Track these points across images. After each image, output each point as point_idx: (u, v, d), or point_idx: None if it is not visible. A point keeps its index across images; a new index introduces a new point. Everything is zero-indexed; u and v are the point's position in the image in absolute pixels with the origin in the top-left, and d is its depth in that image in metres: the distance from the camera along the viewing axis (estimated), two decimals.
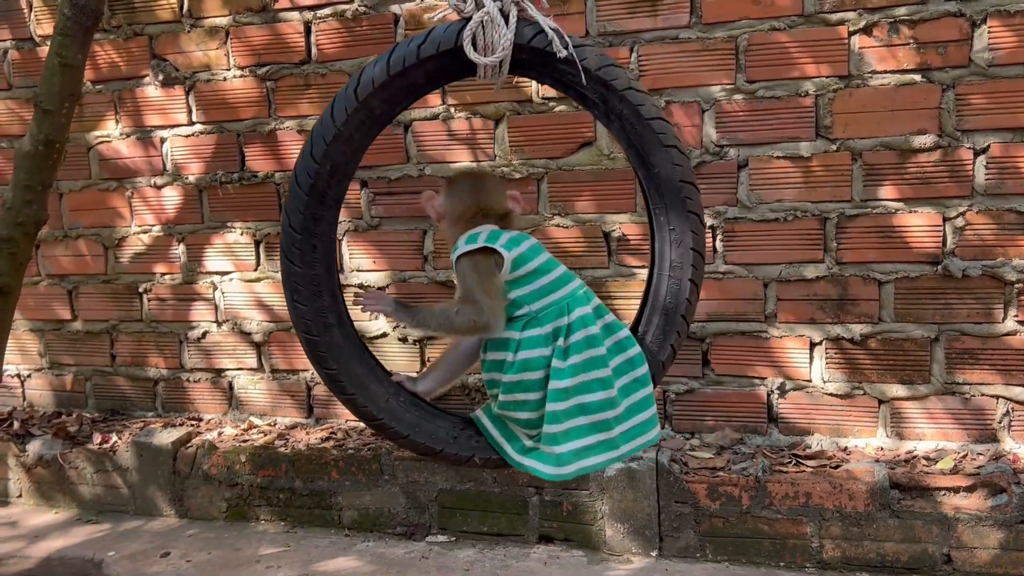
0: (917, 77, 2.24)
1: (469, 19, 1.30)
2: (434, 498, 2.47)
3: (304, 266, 1.34)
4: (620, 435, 1.36)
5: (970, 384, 2.31)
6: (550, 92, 2.50)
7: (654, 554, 2.30)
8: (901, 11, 2.22)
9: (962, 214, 2.25)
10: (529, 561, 2.32)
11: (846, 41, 2.27)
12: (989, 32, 2.17)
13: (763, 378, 2.46)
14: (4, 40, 2.96)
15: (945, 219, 2.27)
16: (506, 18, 1.30)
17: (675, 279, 1.40)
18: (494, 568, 2.29)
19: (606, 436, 1.35)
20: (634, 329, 1.43)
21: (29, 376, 3.19)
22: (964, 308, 2.29)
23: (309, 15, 2.66)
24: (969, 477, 2.13)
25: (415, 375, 1.49)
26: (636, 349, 1.38)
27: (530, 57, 1.32)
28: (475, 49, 1.30)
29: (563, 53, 1.29)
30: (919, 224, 2.29)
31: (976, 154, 2.23)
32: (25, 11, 2.93)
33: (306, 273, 1.34)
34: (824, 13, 2.27)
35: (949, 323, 2.30)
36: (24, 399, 3.21)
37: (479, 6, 1.31)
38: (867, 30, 2.25)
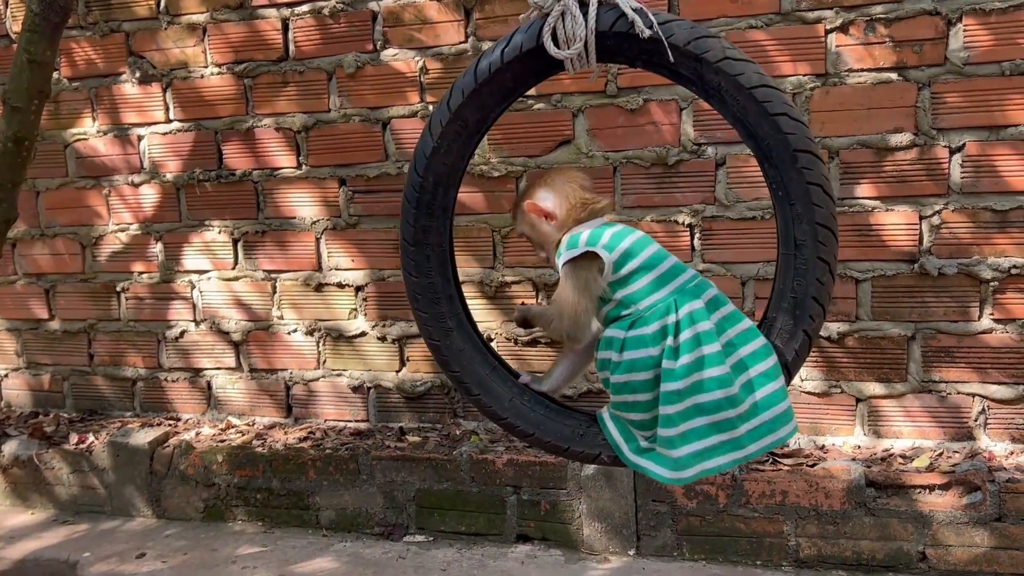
0: (894, 75, 2.24)
1: (548, 14, 1.26)
2: (412, 498, 2.46)
3: (420, 276, 1.34)
4: (746, 434, 1.26)
5: (947, 382, 2.32)
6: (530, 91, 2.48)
7: (632, 553, 2.30)
8: (877, 9, 2.22)
9: (938, 212, 2.26)
10: (507, 561, 2.31)
11: (823, 39, 2.27)
12: (964, 31, 2.18)
13: None
14: None
15: (921, 217, 2.27)
16: (585, 7, 1.27)
17: (802, 259, 1.30)
18: (471, 568, 2.28)
19: (729, 436, 1.26)
20: (764, 318, 1.35)
21: (6, 376, 3.16)
22: (941, 306, 2.29)
23: (287, 12, 2.65)
24: (944, 475, 2.13)
25: (540, 375, 1.45)
26: (760, 341, 1.28)
27: (616, 43, 1.26)
28: (556, 44, 1.26)
29: (647, 33, 1.22)
30: (896, 222, 2.29)
31: (952, 152, 2.23)
32: (1, 8, 2.90)
33: (422, 282, 1.34)
34: (801, 11, 2.27)
35: (926, 321, 2.31)
36: (1, 399, 3.18)
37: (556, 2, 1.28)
38: (844, 28, 2.25)
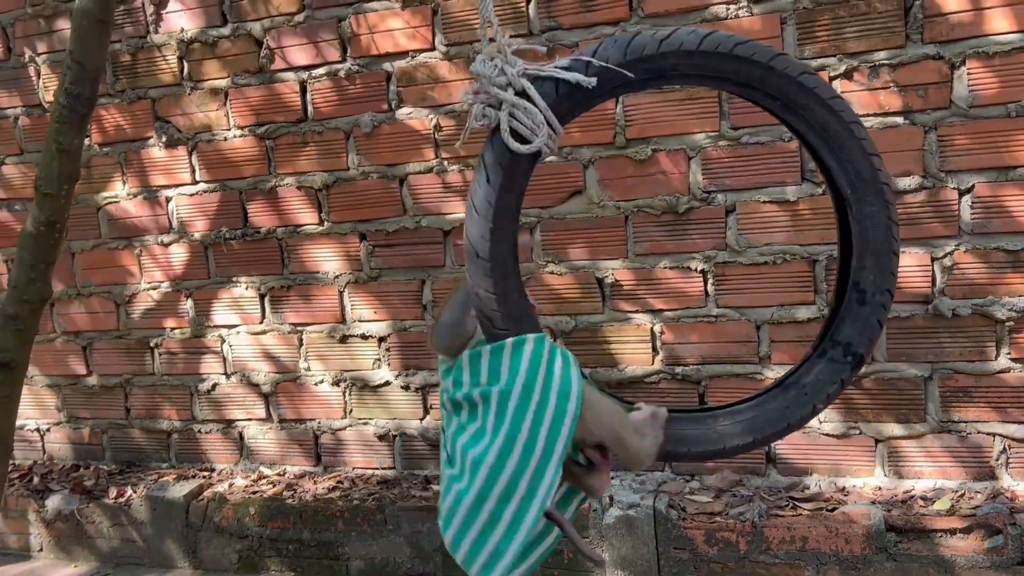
0: (900, 119, 2.26)
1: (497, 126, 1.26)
2: (438, 547, 2.51)
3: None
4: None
5: (966, 422, 2.32)
6: None
7: None
8: (881, 55, 2.24)
9: (950, 254, 2.26)
10: None
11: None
12: (968, 74, 2.19)
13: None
14: (15, 107, 3.07)
15: (933, 259, 2.28)
16: (526, 93, 1.30)
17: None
18: None
19: None
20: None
21: (48, 430, 3.28)
22: (956, 347, 2.29)
23: (304, 75, 2.74)
24: (965, 518, 2.13)
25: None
26: None
27: (571, 103, 1.28)
28: (523, 141, 1.25)
29: (592, 83, 1.24)
30: (908, 264, 2.30)
31: (961, 194, 2.24)
32: (33, 78, 3.03)
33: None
34: (805, 59, 2.30)
35: (942, 362, 2.31)
36: (44, 452, 3.30)
37: (497, 107, 1.31)
38: (848, 75, 2.28)
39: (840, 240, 1.37)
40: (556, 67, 1.27)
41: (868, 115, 2.27)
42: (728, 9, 2.34)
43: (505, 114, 1.27)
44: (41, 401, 3.26)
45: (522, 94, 1.27)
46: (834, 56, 2.28)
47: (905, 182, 2.27)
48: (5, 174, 3.13)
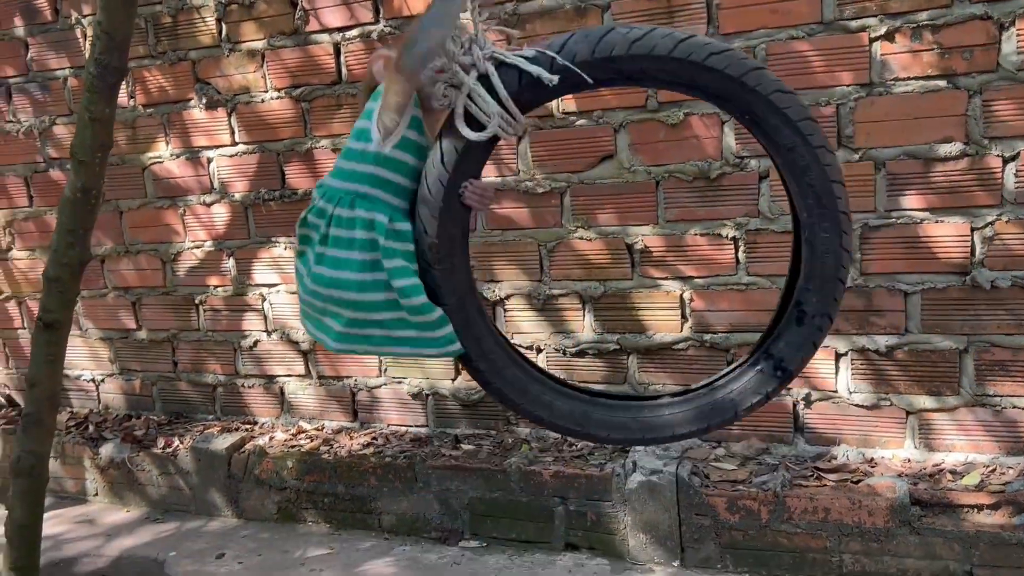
0: (942, 83, 2.17)
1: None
2: (466, 505, 2.57)
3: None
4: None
5: (1001, 396, 2.26)
6: (571, 107, 2.51)
7: (676, 564, 2.35)
8: (924, 16, 2.15)
9: (991, 223, 2.19)
10: (555, 568, 2.40)
11: (867, 48, 2.21)
12: (1018, 35, 2.08)
13: (788, 388, 2.45)
14: (64, 68, 3.15)
15: (973, 229, 2.21)
16: (488, 77, 1.29)
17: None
18: (522, 575, 2.38)
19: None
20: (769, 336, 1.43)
21: (103, 381, 3.42)
22: (994, 319, 2.23)
23: (338, 36, 2.74)
24: (993, 495, 2.09)
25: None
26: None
27: (532, 95, 1.28)
28: (471, 126, 1.27)
29: (553, 81, 1.24)
30: (946, 234, 2.23)
31: (1005, 162, 2.15)
32: (80, 40, 3.10)
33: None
34: (844, 20, 2.22)
35: (978, 334, 2.25)
36: (99, 402, 3.45)
37: (457, 87, 1.29)
38: (889, 36, 2.19)
39: (792, 258, 1.40)
40: (522, 56, 1.26)
41: (910, 78, 2.19)
42: None
43: (463, 97, 1.27)
44: (95, 353, 3.40)
45: (484, 78, 1.27)
46: (875, 16, 2.19)
47: (946, 148, 2.18)
48: (56, 134, 3.22)
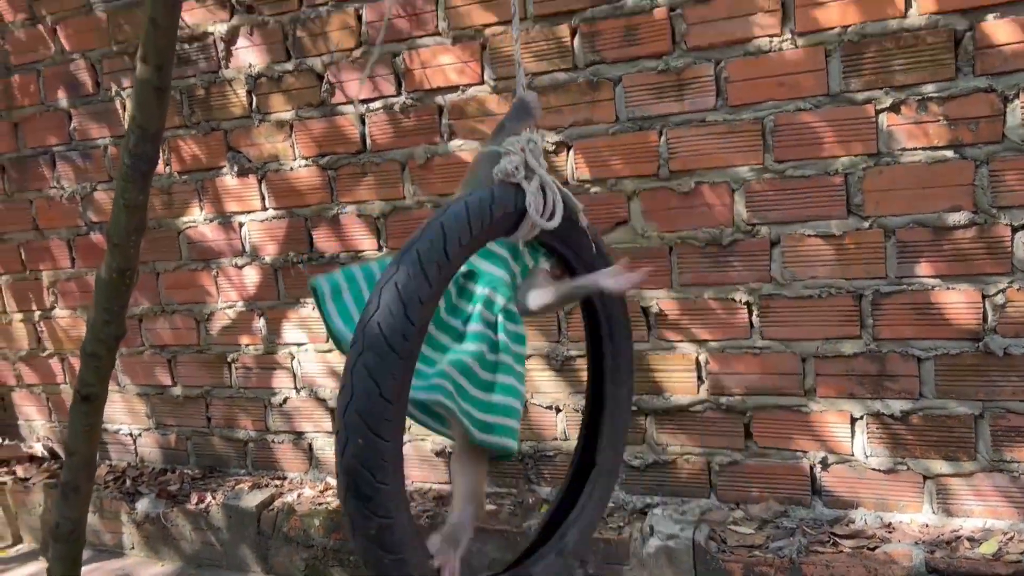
0: (949, 153, 2.20)
1: (517, 184, 1.45)
2: (487, 565, 2.62)
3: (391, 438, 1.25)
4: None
5: (1018, 462, 2.26)
6: (585, 175, 2.58)
7: None
8: (929, 88, 2.19)
9: (1002, 291, 2.20)
10: None
11: (874, 119, 2.25)
12: (1022, 108, 2.11)
13: (805, 451, 2.47)
14: (104, 137, 3.30)
15: (984, 296, 2.22)
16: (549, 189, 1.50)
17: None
18: None
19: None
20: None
21: (140, 435, 3.54)
22: (1009, 385, 2.23)
23: (363, 108, 2.85)
24: (1011, 564, 2.09)
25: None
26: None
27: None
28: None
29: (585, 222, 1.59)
30: (957, 301, 2.24)
31: (1014, 230, 2.17)
32: (120, 111, 3.25)
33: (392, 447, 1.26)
34: (850, 93, 2.26)
35: (993, 400, 2.25)
36: (137, 455, 3.57)
37: (529, 176, 1.46)
38: (895, 108, 2.23)
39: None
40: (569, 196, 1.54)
41: (916, 148, 2.22)
42: (772, 42, 2.32)
43: (536, 185, 1.42)
44: (133, 408, 3.52)
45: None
46: (881, 89, 2.23)
47: (955, 217, 2.21)
48: (97, 199, 3.37)
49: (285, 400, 3.20)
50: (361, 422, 1.19)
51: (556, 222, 1.48)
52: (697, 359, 2.55)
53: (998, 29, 2.10)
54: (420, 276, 1.24)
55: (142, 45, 1.94)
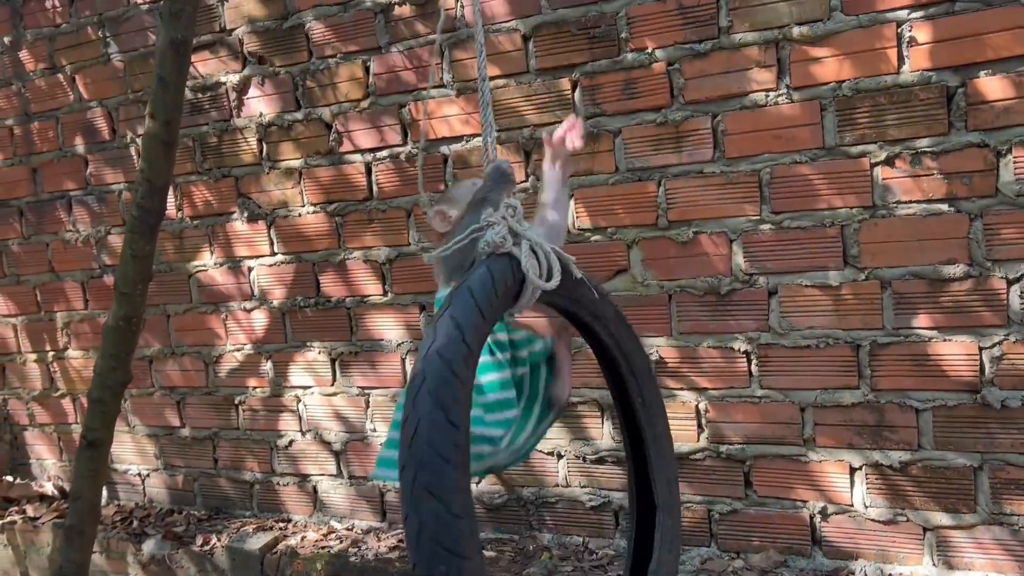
0: (944, 207, 2.22)
1: (508, 254, 1.42)
2: None
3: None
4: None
5: (1018, 515, 2.25)
6: (585, 223, 2.62)
7: None
8: (923, 143, 2.21)
9: (998, 343, 2.21)
10: None
11: (869, 172, 2.28)
12: (1015, 162, 2.14)
13: (805, 501, 2.47)
14: (119, 182, 3.38)
15: (981, 348, 2.23)
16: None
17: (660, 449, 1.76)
18: None
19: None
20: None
21: (148, 475, 3.58)
22: (1007, 438, 2.23)
23: (369, 157, 2.91)
24: None
25: None
26: None
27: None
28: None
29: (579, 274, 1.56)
30: (954, 352, 2.25)
31: (1010, 283, 2.18)
32: (134, 157, 3.33)
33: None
34: (845, 146, 2.29)
35: (992, 452, 2.25)
36: (145, 495, 3.60)
37: (517, 242, 1.44)
38: (889, 161, 2.26)
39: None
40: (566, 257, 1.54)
41: (911, 201, 2.24)
42: (768, 96, 2.36)
43: (526, 248, 1.43)
44: (142, 448, 3.56)
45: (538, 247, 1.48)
46: (875, 143, 2.26)
47: (950, 270, 2.23)
48: (111, 243, 3.44)
49: (291, 443, 3.23)
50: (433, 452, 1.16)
51: (557, 280, 1.46)
52: (697, 407, 2.57)
53: (990, 85, 2.13)
54: (433, 404, 1.19)
55: (151, 102, 2.01)
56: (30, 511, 3.59)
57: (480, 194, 1.48)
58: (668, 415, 2.57)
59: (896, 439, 2.34)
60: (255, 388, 3.26)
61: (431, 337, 1.27)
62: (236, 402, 3.31)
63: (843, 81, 2.27)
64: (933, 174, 2.22)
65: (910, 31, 2.19)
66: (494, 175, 1.50)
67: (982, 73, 2.15)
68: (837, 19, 2.26)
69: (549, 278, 1.47)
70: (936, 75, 2.19)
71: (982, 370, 2.23)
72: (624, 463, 2.68)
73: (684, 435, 2.59)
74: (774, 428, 2.48)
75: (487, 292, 1.34)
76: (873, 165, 2.27)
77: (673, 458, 1.78)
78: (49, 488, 3.75)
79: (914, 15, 2.18)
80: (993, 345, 2.21)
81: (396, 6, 2.78)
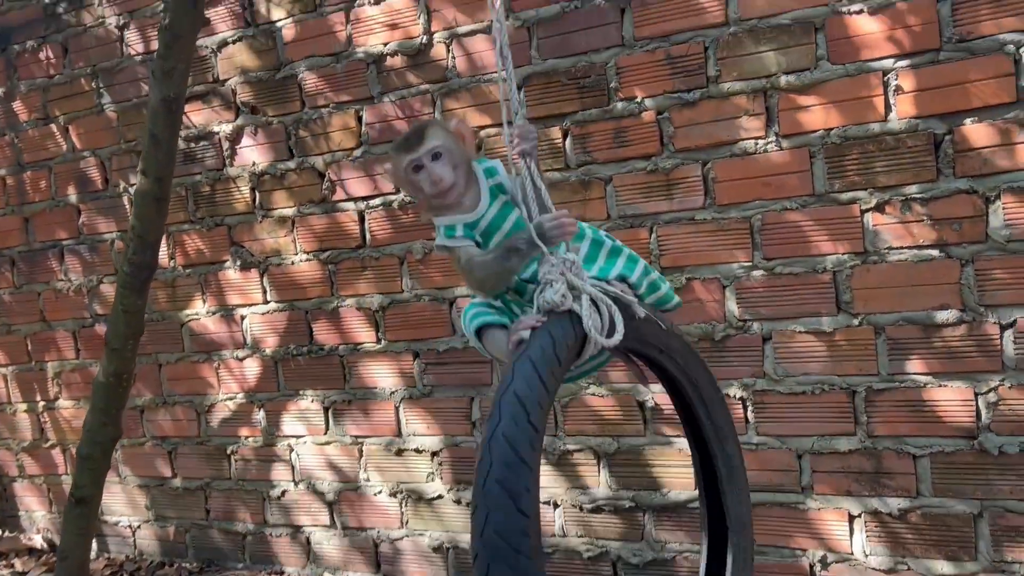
0: (935, 252, 2.23)
1: (569, 311, 1.41)
2: None
3: None
4: None
5: (1020, 563, 2.22)
6: None
7: None
8: (912, 189, 2.23)
9: (994, 389, 2.20)
10: None
11: (859, 219, 2.29)
12: (1004, 208, 2.15)
13: (804, 550, 2.44)
14: (111, 231, 3.38)
15: (977, 394, 2.22)
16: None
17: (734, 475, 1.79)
18: None
19: None
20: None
21: (139, 527, 3.53)
22: (1006, 484, 2.21)
23: (362, 205, 2.92)
24: None
25: None
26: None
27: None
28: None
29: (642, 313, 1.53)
30: (950, 398, 2.24)
31: (1003, 329, 2.18)
32: (127, 206, 3.33)
33: None
34: (835, 193, 2.31)
35: (991, 499, 2.23)
36: (135, 547, 3.55)
37: (577, 297, 1.42)
38: (879, 208, 2.27)
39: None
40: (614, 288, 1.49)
41: (903, 247, 2.25)
42: (757, 143, 2.38)
43: (587, 304, 1.41)
44: (133, 500, 3.52)
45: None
46: (865, 190, 2.27)
47: (943, 315, 2.22)
48: (103, 292, 3.43)
49: (283, 493, 3.20)
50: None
51: (619, 336, 1.42)
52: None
53: (976, 133, 2.15)
54: (502, 493, 1.19)
55: (143, 159, 2.01)
56: (18, 565, 3.53)
57: (513, 244, 1.44)
58: (666, 462, 2.58)
59: (895, 486, 2.32)
60: (247, 437, 3.23)
61: (496, 416, 1.24)
62: (228, 452, 3.28)
63: (831, 129, 2.29)
64: (923, 220, 2.23)
65: (896, 80, 2.22)
66: (539, 233, 1.43)
67: (968, 121, 2.16)
68: (824, 68, 2.29)
69: (612, 332, 1.43)
70: (923, 123, 2.20)
71: (978, 416, 2.22)
72: (620, 512, 2.65)
73: (682, 483, 2.56)
74: (771, 475, 2.46)
75: (549, 364, 1.31)
76: (864, 211, 2.28)
77: (744, 480, 1.79)
78: (38, 541, 3.70)
79: (899, 64, 2.21)
80: (988, 391, 2.21)
81: (388, 57, 2.80)
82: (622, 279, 1.58)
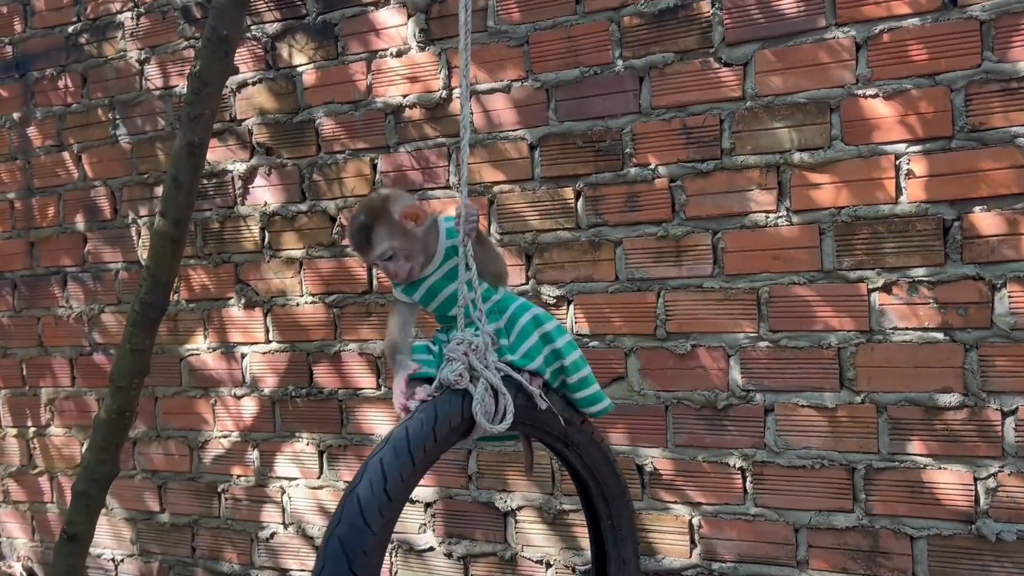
0: (940, 336, 2.25)
1: (464, 391, 1.46)
2: None
3: None
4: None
5: None
6: (584, 329, 2.64)
7: None
8: (919, 271, 2.26)
9: (993, 475, 2.21)
10: None
11: (866, 297, 2.31)
12: (1010, 296, 2.18)
13: None
14: (117, 262, 3.38)
15: (976, 479, 2.23)
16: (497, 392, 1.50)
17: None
18: None
19: None
20: None
21: (122, 561, 3.48)
22: (1002, 571, 2.21)
23: None
24: None
25: None
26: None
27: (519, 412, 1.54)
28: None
29: (543, 406, 1.57)
30: (949, 482, 2.25)
31: (1004, 415, 2.20)
32: (134, 238, 3.34)
33: None
34: (843, 270, 2.33)
35: None
36: None
37: (475, 379, 1.47)
38: (886, 288, 2.29)
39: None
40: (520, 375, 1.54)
41: (908, 328, 2.27)
42: (767, 217, 2.41)
43: (482, 388, 1.44)
44: (118, 532, 3.47)
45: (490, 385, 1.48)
46: (872, 269, 2.30)
47: (945, 399, 2.24)
48: (103, 321, 3.42)
49: (272, 535, 3.16)
50: None
51: (506, 425, 1.48)
52: (690, 522, 2.54)
53: (984, 220, 2.19)
54: (339, 549, 1.26)
55: (163, 200, 2.03)
56: None
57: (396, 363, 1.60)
58: (662, 528, 2.57)
59: (891, 566, 2.31)
60: (239, 476, 3.21)
61: (358, 477, 1.32)
62: (219, 489, 3.25)
63: (842, 207, 2.33)
64: (930, 303, 2.25)
65: (908, 164, 2.26)
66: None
67: (977, 208, 2.20)
68: (837, 147, 2.33)
69: (502, 420, 1.47)
70: (933, 207, 2.24)
71: (977, 501, 2.23)
72: None
73: (676, 550, 2.55)
74: (768, 548, 2.45)
75: (424, 440, 1.37)
76: (871, 291, 2.31)
77: None
78: (17, 569, 3.64)
79: (911, 149, 2.25)
80: (988, 476, 2.22)
81: (407, 108, 2.84)
82: (536, 374, 1.60)
